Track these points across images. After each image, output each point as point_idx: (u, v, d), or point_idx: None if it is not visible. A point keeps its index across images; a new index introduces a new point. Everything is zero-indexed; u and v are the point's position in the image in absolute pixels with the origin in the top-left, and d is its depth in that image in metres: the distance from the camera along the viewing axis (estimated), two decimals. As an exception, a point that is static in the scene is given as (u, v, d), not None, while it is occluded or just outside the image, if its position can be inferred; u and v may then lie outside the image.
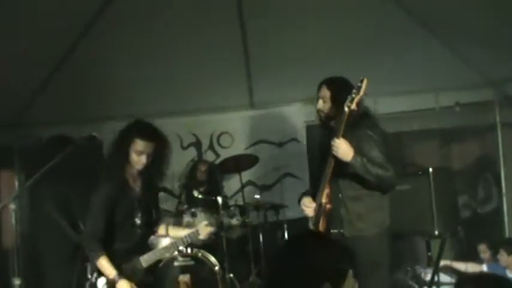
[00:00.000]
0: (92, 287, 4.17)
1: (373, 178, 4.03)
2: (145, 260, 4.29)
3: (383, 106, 7.31)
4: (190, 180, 7.63)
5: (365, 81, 3.99)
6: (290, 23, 6.56)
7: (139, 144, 4.16)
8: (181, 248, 5.69)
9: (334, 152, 4.05)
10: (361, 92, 3.99)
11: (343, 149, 4.01)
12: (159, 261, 4.61)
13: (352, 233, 4.17)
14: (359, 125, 4.15)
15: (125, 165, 4.24)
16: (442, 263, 5.89)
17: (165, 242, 4.76)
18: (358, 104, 4.02)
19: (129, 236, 4.27)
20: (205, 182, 7.52)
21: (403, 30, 6.53)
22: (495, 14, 5.81)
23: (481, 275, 2.23)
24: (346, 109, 4.01)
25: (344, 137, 4.03)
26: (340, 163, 4.07)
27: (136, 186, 4.34)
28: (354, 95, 3.99)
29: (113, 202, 4.18)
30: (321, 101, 4.28)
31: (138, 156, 4.17)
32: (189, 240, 4.50)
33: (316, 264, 2.06)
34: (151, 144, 4.19)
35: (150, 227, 4.49)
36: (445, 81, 7.43)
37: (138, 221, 4.30)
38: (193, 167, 7.75)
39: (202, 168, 7.63)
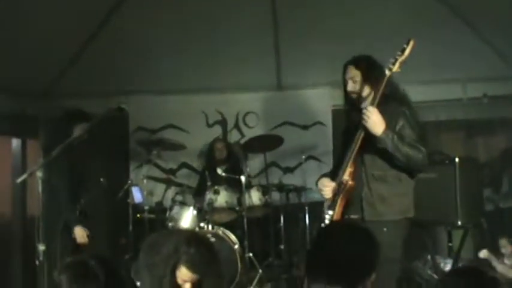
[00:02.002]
0: None
1: (403, 158, 3.76)
2: None
3: (410, 95, 7.21)
4: (209, 158, 7.67)
5: (411, 43, 3.79)
6: (322, 5, 6.53)
7: None
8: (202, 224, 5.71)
9: (364, 122, 3.78)
10: (406, 53, 3.77)
11: (374, 119, 3.74)
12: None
13: (371, 217, 3.90)
14: (392, 100, 3.92)
15: None
16: (482, 255, 5.82)
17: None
18: (400, 67, 3.77)
19: None
20: (226, 161, 7.56)
21: (433, 18, 6.48)
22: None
23: (465, 270, 2.24)
24: (387, 72, 3.78)
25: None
26: (368, 138, 3.82)
27: None
28: (397, 57, 3.78)
29: None
30: (350, 82, 4.04)
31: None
32: None
33: (355, 255, 2.10)
34: None
35: None
36: (474, 71, 7.35)
37: None
38: (211, 146, 7.80)
39: (219, 146, 7.68)
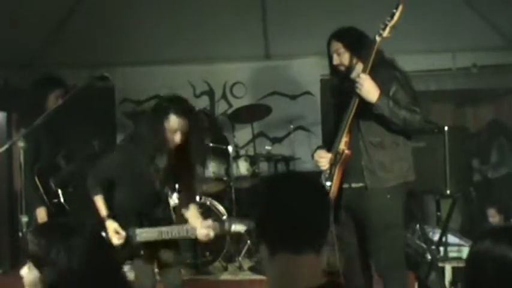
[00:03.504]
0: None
1: (400, 122, 3.79)
2: (141, 234, 4.18)
3: (400, 64, 7.19)
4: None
5: (400, 7, 3.77)
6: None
7: (174, 121, 4.00)
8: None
9: (357, 90, 3.79)
10: (395, 18, 3.77)
11: (367, 86, 3.76)
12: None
13: (373, 184, 3.93)
14: (382, 66, 3.92)
15: (161, 138, 4.05)
16: None
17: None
18: (390, 32, 3.78)
19: (139, 199, 4.22)
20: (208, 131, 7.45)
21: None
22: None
23: (500, 228, 2.10)
24: (377, 38, 3.80)
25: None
26: (363, 105, 3.83)
27: (165, 156, 4.13)
28: (387, 22, 3.77)
29: (131, 164, 4.12)
30: (335, 55, 4.05)
31: (173, 134, 4.01)
32: (186, 234, 4.18)
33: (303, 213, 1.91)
34: (185, 121, 4.02)
35: (167, 202, 4.42)
36: (463, 41, 7.31)
37: (157, 186, 4.21)
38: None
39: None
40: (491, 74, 7.69)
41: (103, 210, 4.12)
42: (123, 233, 4.09)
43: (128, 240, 4.13)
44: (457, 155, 4.99)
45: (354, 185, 4.03)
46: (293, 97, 8.16)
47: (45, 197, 4.87)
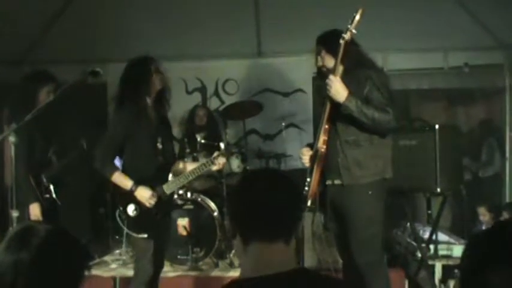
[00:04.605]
0: (122, 215, 4.32)
1: (369, 121, 3.90)
2: (168, 187, 4.41)
3: (392, 63, 7.26)
4: (190, 125, 7.60)
5: (360, 11, 3.88)
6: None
7: (159, 64, 4.43)
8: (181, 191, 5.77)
9: (328, 92, 3.97)
10: (355, 22, 3.88)
11: (335, 87, 3.92)
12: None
13: (349, 181, 4.05)
14: (359, 66, 4.05)
15: (146, 88, 4.37)
16: None
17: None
18: (351, 35, 3.90)
19: (151, 162, 4.38)
20: (205, 127, 7.47)
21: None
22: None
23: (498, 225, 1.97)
24: (341, 41, 3.92)
25: (343, 79, 3.95)
26: (337, 106, 3.97)
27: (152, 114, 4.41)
28: (348, 26, 3.90)
29: (133, 124, 4.28)
30: (318, 58, 4.23)
31: (160, 75, 4.40)
32: (205, 169, 4.51)
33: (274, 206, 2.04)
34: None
35: (169, 158, 4.54)
36: (456, 41, 7.35)
37: (160, 146, 4.41)
38: (192, 112, 7.71)
39: (201, 113, 7.59)
40: (483, 73, 7.73)
41: (127, 183, 4.25)
42: (154, 195, 4.29)
43: (160, 197, 4.35)
44: (448, 153, 5.01)
45: (334, 182, 4.17)
46: (285, 94, 8.18)
47: (38, 193, 4.85)
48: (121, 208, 4.31)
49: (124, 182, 4.26)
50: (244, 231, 2.04)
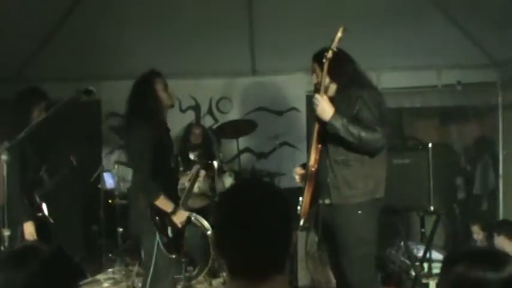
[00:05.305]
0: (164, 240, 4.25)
1: (356, 140, 3.87)
2: (182, 203, 4.50)
3: (386, 81, 7.27)
4: (184, 143, 7.59)
5: (341, 29, 3.91)
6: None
7: (163, 81, 4.40)
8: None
9: (315, 111, 4.00)
10: (336, 40, 3.90)
11: (321, 106, 3.94)
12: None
13: (338, 201, 4.02)
14: (353, 85, 4.05)
15: (158, 107, 4.33)
16: None
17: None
18: (334, 53, 3.92)
19: (171, 179, 4.42)
20: (200, 146, 7.46)
21: (410, 5, 6.45)
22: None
23: (474, 251, 2.11)
24: (324, 60, 3.95)
25: (336, 97, 4.01)
26: (325, 125, 3.98)
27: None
28: (330, 45, 3.93)
29: (155, 145, 4.22)
30: (314, 75, 4.22)
31: (167, 92, 4.38)
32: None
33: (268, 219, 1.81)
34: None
35: (177, 171, 4.55)
36: (449, 59, 7.39)
37: (172, 164, 4.45)
38: (188, 130, 7.67)
39: (196, 131, 7.57)
40: (476, 91, 7.75)
41: (170, 205, 4.23)
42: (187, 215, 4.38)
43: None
44: (441, 172, 5.02)
45: (325, 201, 4.13)
46: (279, 113, 8.19)
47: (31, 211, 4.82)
48: (164, 233, 4.23)
49: (167, 204, 4.22)
50: (230, 263, 1.84)
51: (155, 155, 4.18)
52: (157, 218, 4.19)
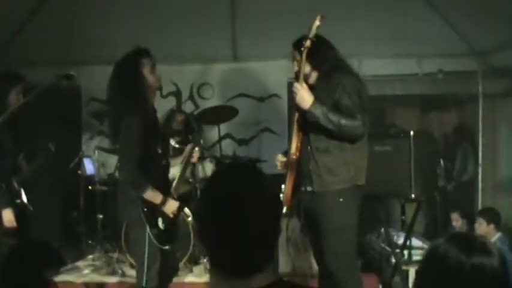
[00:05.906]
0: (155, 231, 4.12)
1: (336, 127, 3.89)
2: (175, 189, 4.37)
3: (367, 68, 7.25)
4: (166, 129, 7.53)
5: (318, 17, 3.91)
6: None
7: (150, 62, 4.20)
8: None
9: (294, 99, 4.02)
10: (314, 28, 3.91)
11: (300, 95, 3.96)
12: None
13: (320, 188, 4.05)
14: (335, 71, 4.05)
15: (146, 91, 4.17)
16: None
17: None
18: (313, 41, 3.93)
19: (160, 166, 4.28)
20: (182, 132, 7.42)
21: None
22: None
23: (456, 233, 2.16)
24: (302, 49, 3.98)
25: (317, 85, 4.03)
26: (305, 113, 3.99)
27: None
28: (307, 34, 3.95)
29: (145, 132, 4.05)
30: (294, 63, 4.22)
31: (155, 74, 4.20)
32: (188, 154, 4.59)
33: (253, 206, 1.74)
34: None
35: (166, 159, 4.46)
36: (430, 47, 7.38)
37: (159, 150, 4.29)
38: (170, 116, 7.61)
39: (179, 118, 7.51)
40: (457, 80, 7.79)
41: (158, 197, 4.09)
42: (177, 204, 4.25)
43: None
44: (422, 159, 5.04)
45: (307, 189, 4.16)
46: (260, 99, 8.16)
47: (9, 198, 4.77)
48: (153, 224, 4.09)
49: (155, 196, 4.07)
50: (213, 262, 1.78)
51: (144, 143, 4.03)
52: (146, 209, 4.05)
